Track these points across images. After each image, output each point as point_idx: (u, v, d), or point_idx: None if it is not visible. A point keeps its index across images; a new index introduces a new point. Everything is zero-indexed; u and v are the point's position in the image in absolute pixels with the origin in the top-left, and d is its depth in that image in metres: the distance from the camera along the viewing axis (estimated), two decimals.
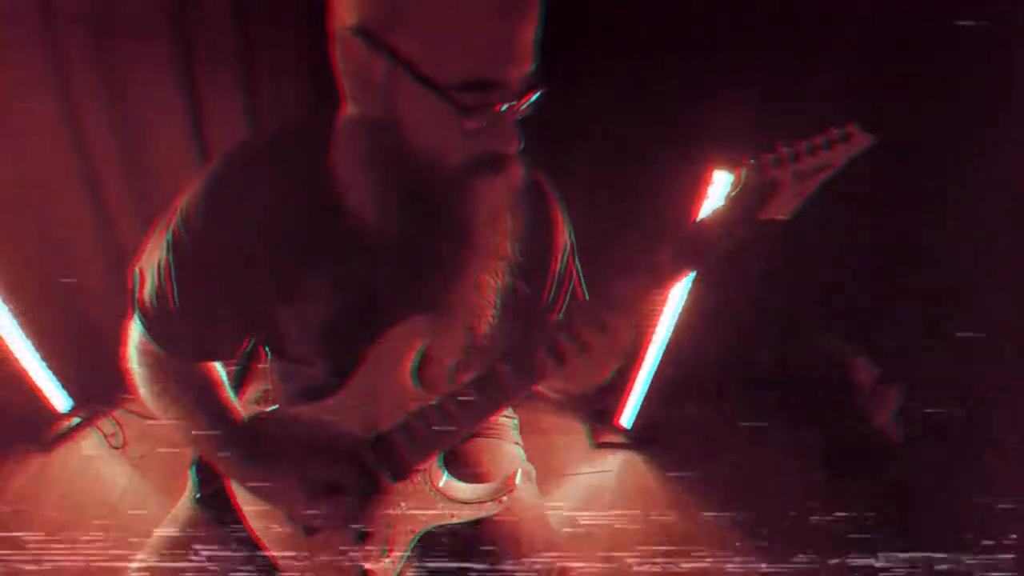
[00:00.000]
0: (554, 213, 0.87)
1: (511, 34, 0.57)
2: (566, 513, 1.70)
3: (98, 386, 1.79)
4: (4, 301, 1.51)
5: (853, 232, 1.78)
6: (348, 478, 0.81)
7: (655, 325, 1.65)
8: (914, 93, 1.49)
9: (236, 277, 0.73)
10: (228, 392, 0.86)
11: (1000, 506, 1.65)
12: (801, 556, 1.60)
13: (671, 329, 1.64)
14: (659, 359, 1.72)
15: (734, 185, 0.68)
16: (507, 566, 0.87)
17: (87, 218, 1.60)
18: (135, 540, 1.43)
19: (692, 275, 1.27)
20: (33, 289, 1.57)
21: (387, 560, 0.84)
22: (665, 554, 1.59)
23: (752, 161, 0.67)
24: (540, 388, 0.79)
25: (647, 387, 1.81)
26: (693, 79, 1.45)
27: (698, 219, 0.69)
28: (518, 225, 0.81)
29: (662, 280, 0.70)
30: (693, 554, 1.60)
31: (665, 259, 0.69)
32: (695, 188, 1.37)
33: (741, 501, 1.75)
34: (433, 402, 0.79)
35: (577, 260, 0.94)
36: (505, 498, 0.85)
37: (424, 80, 0.57)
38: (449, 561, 0.88)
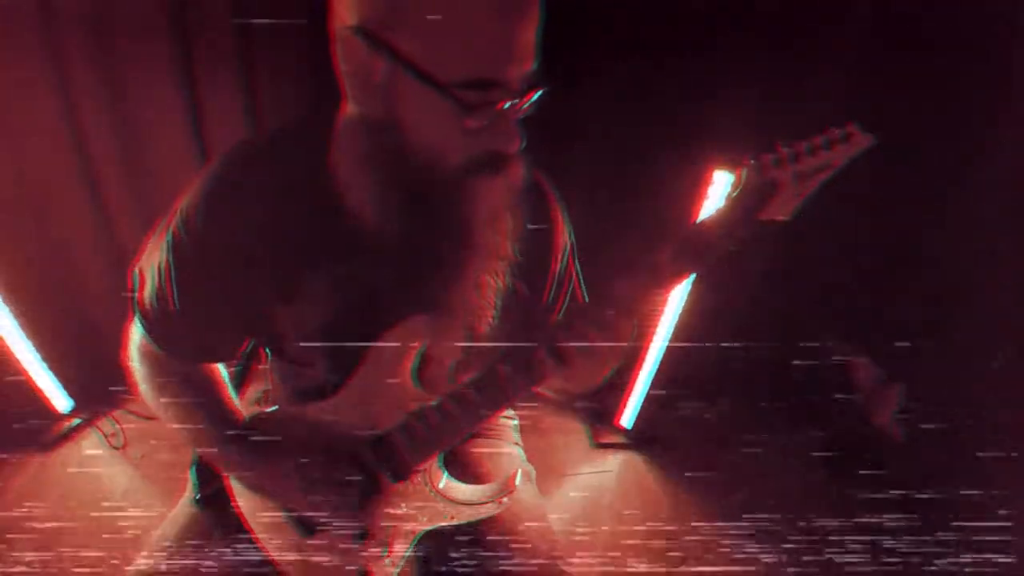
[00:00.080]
0: (554, 213, 0.87)
1: (512, 33, 0.57)
2: (566, 513, 1.70)
3: (98, 386, 1.79)
4: (4, 301, 1.51)
5: (853, 232, 1.78)
6: (348, 478, 0.80)
7: (655, 325, 1.65)
8: (914, 93, 1.49)
9: (236, 277, 0.73)
10: (229, 392, 0.86)
11: (1000, 506, 1.65)
12: (801, 556, 1.60)
13: (671, 329, 1.64)
14: (659, 359, 1.72)
15: (734, 185, 0.68)
16: (507, 567, 0.87)
17: (87, 218, 1.60)
18: (135, 540, 1.44)
19: (692, 276, 1.27)
20: (33, 289, 1.57)
21: (387, 560, 0.84)
22: (666, 554, 1.60)
23: (752, 161, 0.67)
24: (540, 388, 0.79)
25: (647, 387, 1.81)
26: (693, 79, 1.45)
27: (698, 220, 0.69)
28: (518, 225, 0.81)
29: (662, 281, 0.70)
30: (693, 554, 1.60)
31: (665, 260, 0.69)
32: (695, 188, 1.37)
33: (741, 501, 1.75)
34: (433, 402, 0.79)
35: (577, 261, 0.94)
36: (505, 499, 0.85)
37: (425, 78, 0.57)
38: (449, 561, 0.88)
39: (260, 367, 1.03)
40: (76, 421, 1.78)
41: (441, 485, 0.85)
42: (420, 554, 0.89)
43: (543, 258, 0.87)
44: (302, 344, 0.81)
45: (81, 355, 1.75)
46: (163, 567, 0.83)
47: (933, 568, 1.56)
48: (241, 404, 0.88)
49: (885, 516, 1.69)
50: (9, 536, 1.44)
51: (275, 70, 1.46)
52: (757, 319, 1.92)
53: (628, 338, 0.73)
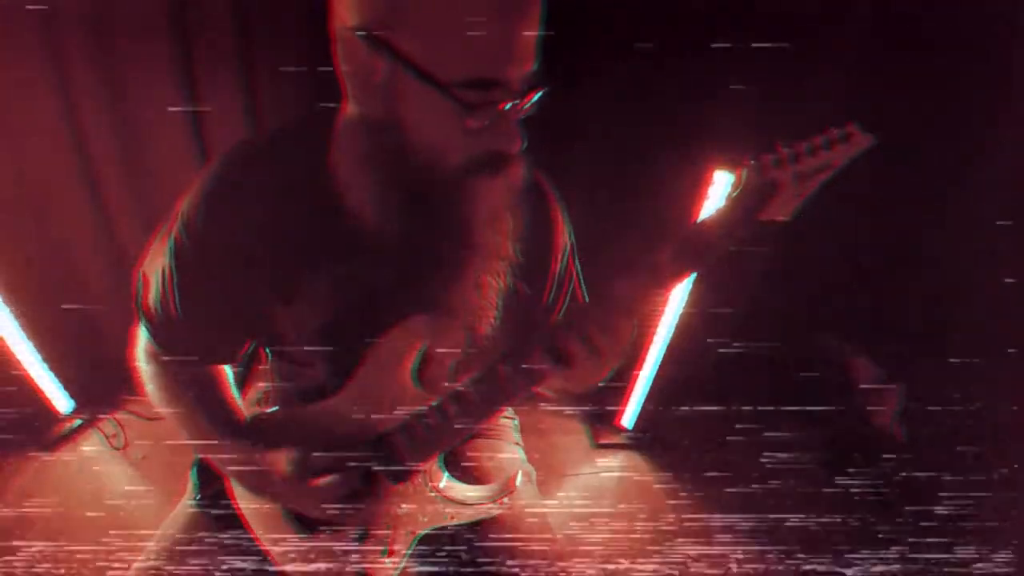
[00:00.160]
0: (554, 213, 0.87)
1: (513, 33, 0.57)
2: (566, 513, 1.70)
3: (99, 387, 1.79)
4: (4, 301, 1.51)
5: (853, 232, 1.78)
6: (348, 479, 0.80)
7: (656, 325, 1.65)
8: (914, 93, 1.49)
9: (237, 278, 0.73)
10: (232, 392, 0.86)
11: (1001, 506, 1.65)
12: (802, 556, 1.60)
13: (671, 329, 1.64)
14: (660, 359, 1.72)
15: (734, 186, 0.68)
16: (507, 567, 0.87)
17: (87, 218, 1.60)
18: (136, 541, 1.44)
19: (692, 276, 1.27)
20: (33, 289, 1.57)
21: (387, 561, 0.84)
22: (666, 554, 1.59)
23: (752, 162, 0.67)
24: (540, 388, 0.79)
25: (648, 387, 1.81)
26: (693, 79, 1.45)
27: (698, 220, 0.69)
28: (518, 225, 0.81)
29: (663, 281, 0.70)
30: (694, 554, 1.60)
31: (665, 259, 0.69)
32: (695, 188, 1.37)
33: (741, 501, 1.75)
34: (433, 402, 0.79)
35: (577, 261, 0.94)
36: (505, 499, 0.85)
37: (426, 78, 0.57)
38: (449, 562, 0.88)
39: (261, 367, 1.03)
40: (77, 422, 1.78)
41: (441, 485, 0.85)
42: (420, 554, 0.89)
43: (543, 258, 0.87)
44: (302, 344, 0.81)
45: (81, 355, 1.75)
46: (163, 567, 0.83)
47: (933, 568, 1.56)
48: (243, 405, 0.88)
49: (885, 516, 1.69)
50: (10, 536, 1.44)
51: (275, 70, 1.46)
52: (757, 319, 1.92)
53: (628, 338, 0.73)
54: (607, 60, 1.47)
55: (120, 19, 1.35)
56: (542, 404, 2.04)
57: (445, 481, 0.85)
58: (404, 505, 0.84)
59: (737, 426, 2.00)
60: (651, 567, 1.56)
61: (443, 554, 0.89)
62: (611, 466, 1.89)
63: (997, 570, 1.55)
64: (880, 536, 1.65)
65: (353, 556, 0.84)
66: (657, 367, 1.74)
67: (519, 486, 0.86)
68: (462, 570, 0.88)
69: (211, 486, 0.89)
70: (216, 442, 0.81)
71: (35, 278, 1.59)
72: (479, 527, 0.89)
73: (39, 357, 1.64)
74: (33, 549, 1.42)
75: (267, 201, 0.71)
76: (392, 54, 0.57)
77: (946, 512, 1.67)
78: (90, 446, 1.75)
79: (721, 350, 1.95)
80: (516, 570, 0.87)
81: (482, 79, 0.58)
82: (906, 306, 1.93)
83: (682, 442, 1.96)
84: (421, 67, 0.57)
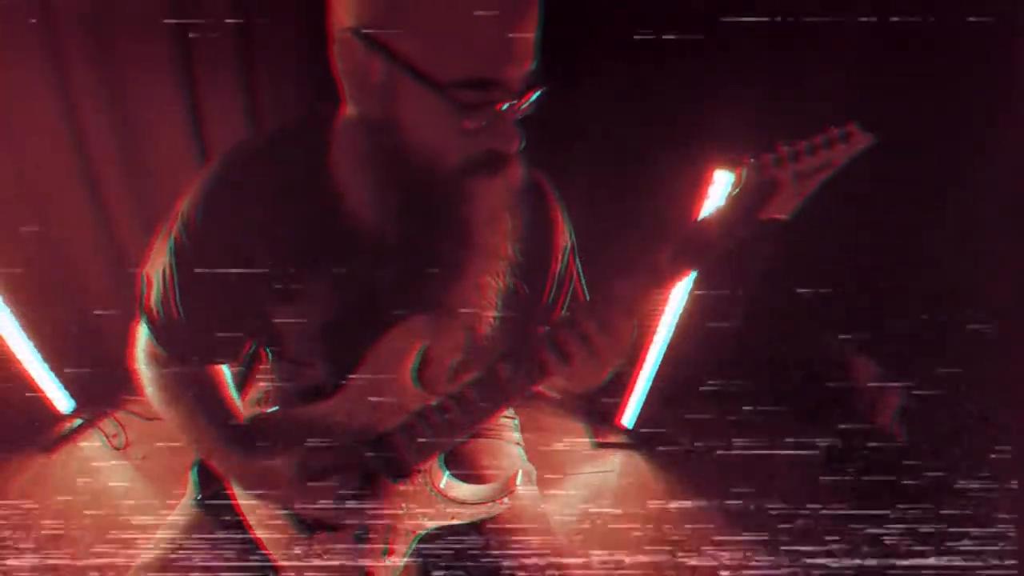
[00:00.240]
0: (554, 213, 0.87)
1: (510, 33, 0.57)
2: (567, 513, 1.70)
3: (99, 387, 1.79)
4: (4, 301, 1.51)
5: (853, 232, 1.78)
6: (348, 479, 0.81)
7: (656, 325, 1.65)
8: (914, 93, 1.49)
9: (237, 277, 0.73)
10: (231, 393, 0.86)
11: (1001, 506, 1.65)
12: (802, 556, 1.60)
13: (672, 329, 1.64)
14: (660, 359, 1.72)
15: (734, 185, 0.68)
16: (507, 566, 0.87)
17: (87, 218, 1.60)
18: (136, 541, 1.43)
19: (692, 275, 1.27)
20: (33, 289, 1.57)
21: (388, 560, 0.84)
22: (666, 554, 1.59)
23: (752, 161, 0.67)
24: (540, 388, 0.79)
25: (648, 387, 1.81)
26: (693, 79, 1.45)
27: (698, 219, 0.69)
28: (518, 225, 0.81)
29: (662, 280, 0.70)
30: (694, 554, 1.60)
31: (665, 259, 0.69)
32: (695, 188, 1.37)
33: (742, 501, 1.74)
34: (433, 402, 0.79)
35: (578, 260, 0.94)
36: (506, 499, 0.85)
37: (423, 79, 0.57)
38: (449, 562, 0.88)
39: (261, 368, 1.03)
40: (77, 422, 1.78)
41: (442, 485, 0.85)
42: (420, 554, 0.89)
43: (543, 258, 0.87)
44: (302, 344, 0.81)
45: (81, 355, 1.75)
46: (164, 567, 0.83)
47: (934, 568, 1.56)
48: (242, 405, 0.88)
49: (886, 516, 1.69)
50: (11, 536, 1.44)
51: (275, 70, 1.46)
52: (757, 319, 1.92)
53: (628, 337, 0.73)
54: (607, 60, 1.47)
55: (120, 19, 1.35)
56: (542, 404, 2.04)
57: (445, 481, 0.85)
58: (404, 505, 0.84)
59: (737, 426, 2.00)
60: (651, 567, 1.56)
61: (443, 554, 0.89)
62: (611, 466, 1.89)
63: (998, 571, 1.55)
64: (880, 536, 1.65)
65: (353, 556, 0.84)
66: (657, 367, 1.74)
67: (519, 486, 0.86)
68: (462, 570, 0.88)
69: (211, 486, 0.89)
70: (215, 443, 0.81)
71: (35, 278, 1.59)
72: (479, 527, 0.89)
73: (39, 357, 1.64)
74: (33, 549, 1.42)
75: (267, 201, 0.71)
76: (389, 55, 0.57)
77: (946, 512, 1.67)
78: (90, 446, 1.75)
79: (721, 349, 1.95)
80: (516, 570, 0.87)
81: (479, 79, 0.58)
82: (906, 306, 1.93)
83: (682, 442, 1.96)
84: (418, 68, 0.57)
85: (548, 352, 0.72)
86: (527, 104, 0.63)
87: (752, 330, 1.92)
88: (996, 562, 1.56)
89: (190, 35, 1.38)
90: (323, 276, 0.75)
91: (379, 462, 0.82)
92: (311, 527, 0.84)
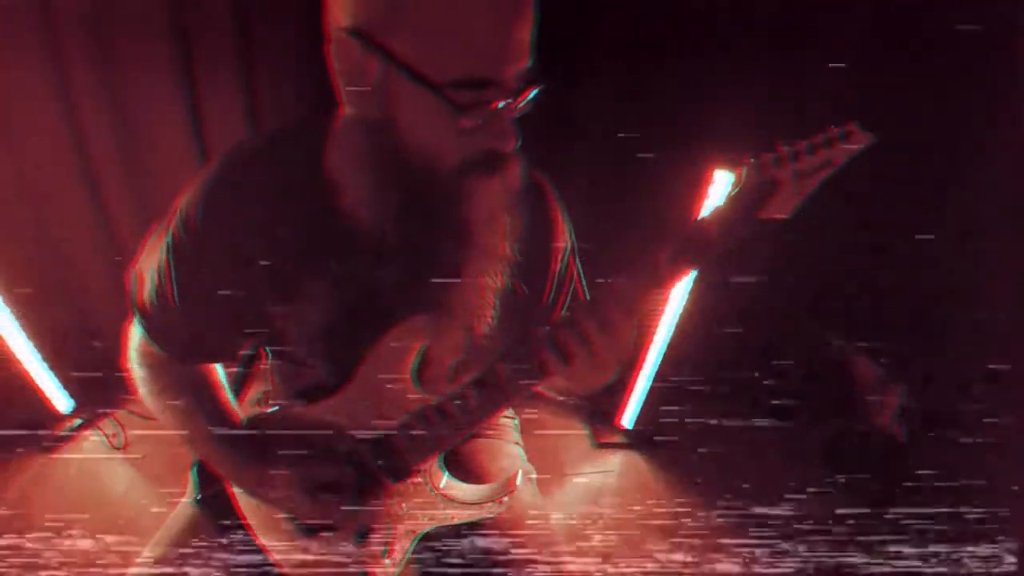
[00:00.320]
0: (554, 213, 0.87)
1: (506, 32, 0.57)
2: (566, 513, 1.70)
3: (99, 387, 1.79)
4: (4, 301, 1.51)
5: (853, 232, 1.78)
6: (348, 479, 0.81)
7: (655, 325, 1.65)
8: (914, 93, 1.49)
9: (236, 277, 0.73)
10: (227, 394, 0.86)
11: (1001, 506, 1.65)
12: (802, 556, 1.60)
13: (671, 329, 1.64)
14: (660, 359, 1.72)
15: (734, 184, 0.68)
16: (507, 567, 0.87)
17: (87, 218, 1.60)
18: (136, 541, 1.43)
19: (692, 275, 1.27)
20: (33, 289, 1.57)
21: (387, 561, 0.84)
22: (666, 554, 1.59)
23: (752, 160, 0.67)
24: (541, 389, 0.79)
25: (648, 387, 1.81)
26: (693, 79, 1.45)
27: (698, 219, 0.69)
28: (517, 226, 0.81)
29: (662, 279, 0.70)
30: (694, 554, 1.60)
31: (665, 258, 0.69)
32: (695, 188, 1.37)
33: (742, 501, 1.74)
34: (433, 402, 0.79)
35: (578, 260, 0.94)
36: (506, 499, 0.85)
37: (419, 79, 0.57)
38: (449, 562, 0.88)
39: (261, 367, 1.03)
40: (77, 421, 1.78)
41: (441, 485, 0.85)
42: (420, 554, 0.89)
43: (542, 258, 0.87)
44: (302, 344, 0.81)
45: (81, 355, 1.75)
46: (164, 567, 0.83)
47: (933, 568, 1.56)
48: (242, 405, 0.88)
49: (886, 516, 1.69)
50: (10, 536, 1.44)
51: (275, 70, 1.46)
52: (757, 319, 1.92)
53: (628, 337, 0.73)
54: (607, 60, 1.47)
55: (120, 19, 1.35)
56: (542, 404, 2.04)
57: (445, 481, 0.85)
58: (404, 505, 0.84)
59: (737, 426, 2.00)
60: (651, 567, 1.56)
61: (443, 554, 0.89)
62: (611, 466, 1.89)
63: (999, 569, 1.55)
64: (881, 535, 1.65)
65: (353, 556, 0.84)
66: (657, 367, 1.74)
67: (519, 486, 0.86)
68: (462, 570, 0.88)
69: (211, 486, 0.89)
70: (209, 444, 0.81)
71: (35, 278, 1.59)
72: (479, 527, 0.89)
73: (39, 357, 1.64)
74: (33, 549, 1.42)
75: (266, 201, 0.71)
76: (385, 55, 0.57)
77: (947, 512, 1.67)
78: (90, 446, 1.75)
79: (721, 349, 1.94)
80: (516, 570, 0.87)
81: (476, 78, 0.58)
82: (906, 306, 1.93)
83: (682, 442, 1.96)
84: (414, 67, 0.57)
85: (548, 352, 0.72)
86: (524, 103, 0.63)
87: (752, 330, 1.92)
88: (996, 562, 1.56)
89: (190, 35, 1.38)
90: (322, 276, 0.75)
91: (379, 462, 0.82)
92: (311, 527, 0.84)
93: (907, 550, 1.60)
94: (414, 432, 0.80)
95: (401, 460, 0.82)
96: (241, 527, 0.86)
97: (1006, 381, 1.78)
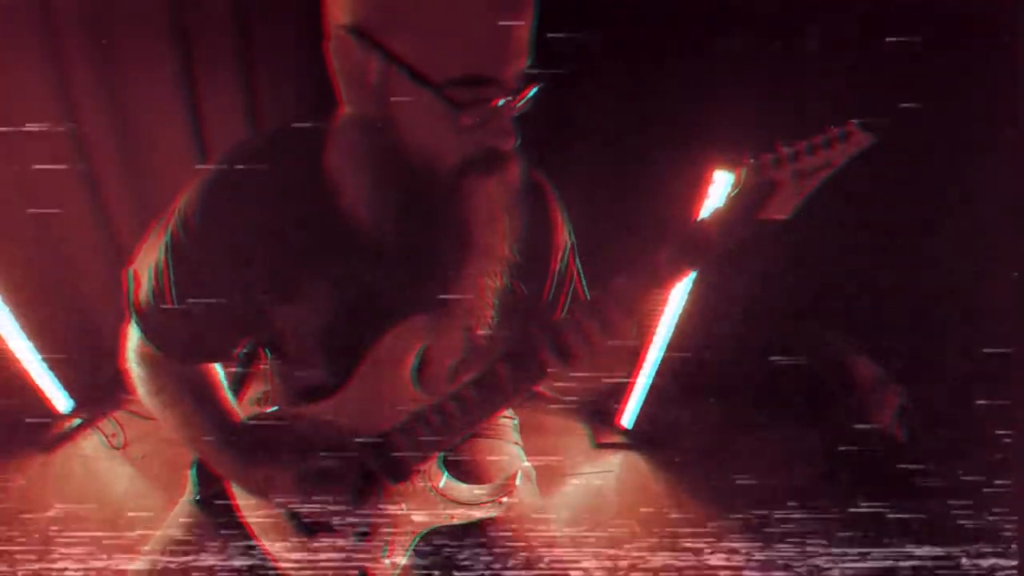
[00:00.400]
0: (553, 213, 0.87)
1: (505, 30, 0.57)
2: (566, 513, 1.70)
3: (99, 387, 1.79)
4: (4, 301, 1.51)
5: (853, 232, 1.78)
6: (347, 479, 0.80)
7: (655, 325, 1.65)
8: (914, 93, 1.49)
9: (234, 277, 0.73)
10: (226, 393, 0.85)
11: (1001, 506, 1.65)
12: (803, 555, 1.60)
13: (671, 329, 1.64)
14: (660, 359, 1.72)
15: (734, 185, 0.68)
16: (507, 567, 0.87)
17: (87, 218, 1.60)
18: (136, 541, 1.44)
19: (692, 275, 1.27)
20: (33, 289, 1.57)
21: (387, 561, 0.84)
22: (666, 554, 1.59)
23: (752, 161, 0.67)
24: (540, 388, 0.79)
25: (648, 387, 1.81)
26: (693, 79, 1.45)
27: (698, 219, 0.69)
28: (517, 226, 0.81)
29: (662, 280, 0.70)
30: (694, 554, 1.60)
31: (665, 259, 0.69)
32: (695, 188, 1.37)
33: (742, 501, 1.75)
34: (433, 402, 0.79)
35: (578, 260, 0.94)
36: (505, 499, 0.85)
37: (418, 78, 0.57)
38: (449, 562, 0.88)
39: (260, 368, 1.03)
40: (76, 421, 1.78)
41: (441, 485, 0.85)
42: (420, 554, 0.89)
43: (542, 258, 0.87)
44: (302, 344, 0.81)
45: (81, 355, 1.75)
46: (163, 567, 0.83)
47: (934, 568, 1.56)
48: (241, 405, 0.88)
49: (886, 516, 1.69)
50: (10, 536, 1.44)
51: (275, 70, 1.46)
52: (757, 319, 1.92)
53: (628, 337, 0.73)
54: (607, 60, 1.47)
55: (120, 19, 1.35)
56: (542, 404, 2.04)
57: (445, 481, 0.85)
58: (404, 505, 0.84)
59: (737, 426, 2.00)
60: (651, 567, 1.56)
61: (443, 554, 0.89)
62: (611, 466, 1.89)
63: (999, 570, 1.55)
64: (881, 535, 1.65)
65: (353, 556, 0.83)
66: (657, 367, 1.74)
67: (519, 486, 0.86)
68: (462, 570, 0.88)
69: (211, 485, 0.89)
70: (208, 444, 0.81)
71: (35, 278, 1.59)
72: (479, 527, 0.89)
73: (39, 357, 1.64)
74: (33, 549, 1.42)
75: (265, 201, 0.71)
76: (385, 54, 0.57)
77: (947, 512, 1.67)
78: (90, 445, 1.75)
79: (721, 349, 1.95)
80: (516, 570, 0.87)
81: (475, 77, 0.58)
82: (906, 306, 1.93)
83: (682, 442, 1.96)
84: (414, 66, 0.57)
85: (548, 352, 0.72)
86: (523, 101, 0.63)
87: (752, 330, 1.92)
88: (996, 561, 1.56)
89: (190, 35, 1.38)
90: (322, 276, 0.75)
91: (379, 462, 0.82)
92: (310, 527, 0.84)
93: (907, 550, 1.60)
94: (414, 432, 0.80)
95: (401, 460, 0.82)
96: (241, 526, 0.86)
97: (1006, 380, 1.78)
